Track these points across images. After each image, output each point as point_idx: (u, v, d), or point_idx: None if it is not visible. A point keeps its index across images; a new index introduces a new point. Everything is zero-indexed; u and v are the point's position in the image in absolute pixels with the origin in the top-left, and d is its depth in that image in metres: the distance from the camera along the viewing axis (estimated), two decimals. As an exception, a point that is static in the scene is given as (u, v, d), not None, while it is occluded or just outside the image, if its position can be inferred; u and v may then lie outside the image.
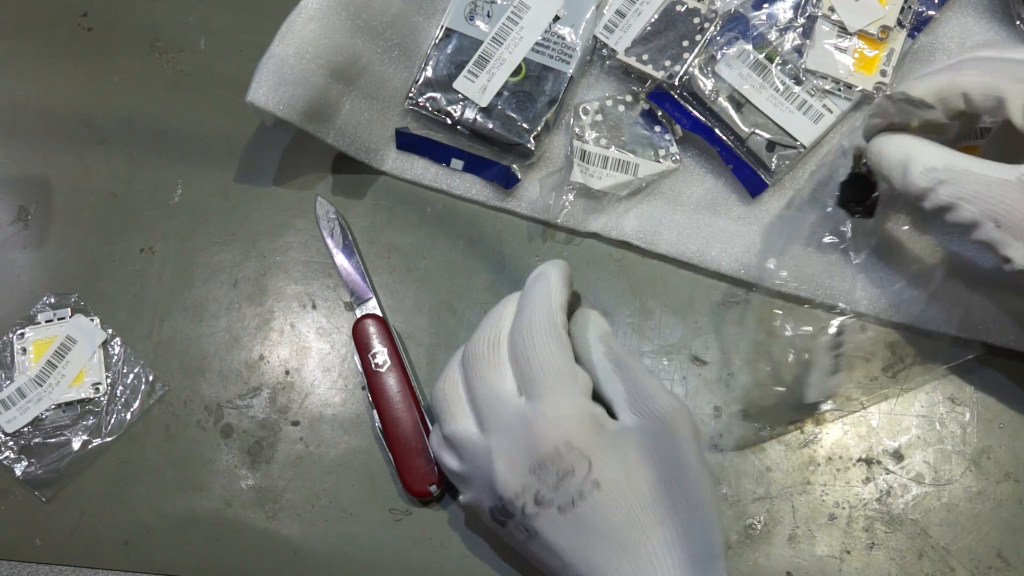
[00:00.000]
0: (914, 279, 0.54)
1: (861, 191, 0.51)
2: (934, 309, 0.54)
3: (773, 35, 0.57)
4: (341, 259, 0.58)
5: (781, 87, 0.56)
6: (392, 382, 0.54)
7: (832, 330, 0.52)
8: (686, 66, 0.56)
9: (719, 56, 0.56)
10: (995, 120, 0.49)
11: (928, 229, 0.55)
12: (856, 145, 0.50)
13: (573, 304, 0.50)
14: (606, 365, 0.48)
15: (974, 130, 0.52)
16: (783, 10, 0.57)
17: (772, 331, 0.53)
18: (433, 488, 0.52)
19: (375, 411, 0.54)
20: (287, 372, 0.57)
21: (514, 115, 0.57)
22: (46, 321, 0.58)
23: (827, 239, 0.54)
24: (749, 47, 0.56)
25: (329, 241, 0.58)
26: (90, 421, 0.56)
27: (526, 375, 0.46)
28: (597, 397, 0.47)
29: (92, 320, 0.58)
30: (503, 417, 0.45)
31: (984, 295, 0.53)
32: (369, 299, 0.57)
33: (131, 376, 0.57)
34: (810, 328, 0.52)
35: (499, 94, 0.58)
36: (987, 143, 0.51)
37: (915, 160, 0.46)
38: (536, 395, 0.45)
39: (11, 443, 0.56)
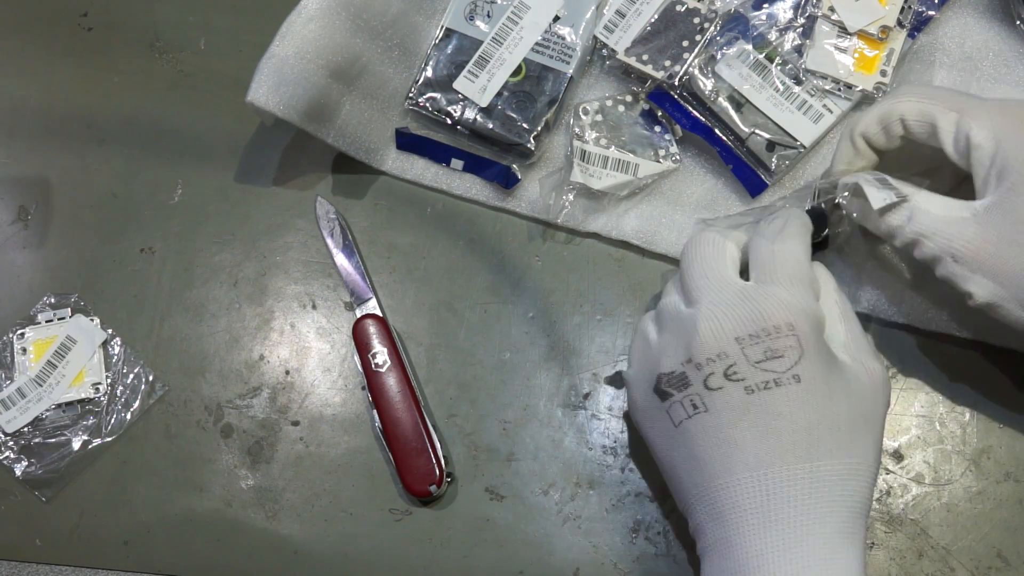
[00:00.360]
0: (914, 280, 0.54)
1: (817, 224, 0.51)
2: (934, 309, 0.54)
3: (773, 35, 0.57)
4: (341, 259, 0.58)
5: (781, 87, 0.56)
6: (392, 382, 0.54)
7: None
8: (686, 66, 0.56)
9: (719, 56, 0.56)
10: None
11: None
12: (818, 185, 0.51)
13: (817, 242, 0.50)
14: (835, 310, 0.47)
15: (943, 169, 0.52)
16: (783, 10, 0.57)
17: None
18: (433, 488, 0.52)
19: (375, 411, 0.54)
20: (287, 372, 0.57)
21: (514, 115, 0.57)
22: (46, 321, 0.58)
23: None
24: (749, 47, 0.56)
25: (329, 241, 0.58)
26: (90, 421, 0.56)
27: (765, 266, 0.46)
28: None
29: (92, 320, 0.58)
30: (719, 291, 0.45)
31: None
32: (369, 299, 0.57)
33: (131, 376, 0.57)
34: None
35: (499, 94, 0.58)
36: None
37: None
38: (770, 281, 0.45)
39: (11, 443, 0.56)
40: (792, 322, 0.43)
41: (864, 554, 0.42)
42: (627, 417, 0.54)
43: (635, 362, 0.48)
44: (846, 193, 0.49)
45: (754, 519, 0.42)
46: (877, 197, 0.47)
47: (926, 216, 0.46)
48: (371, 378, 0.54)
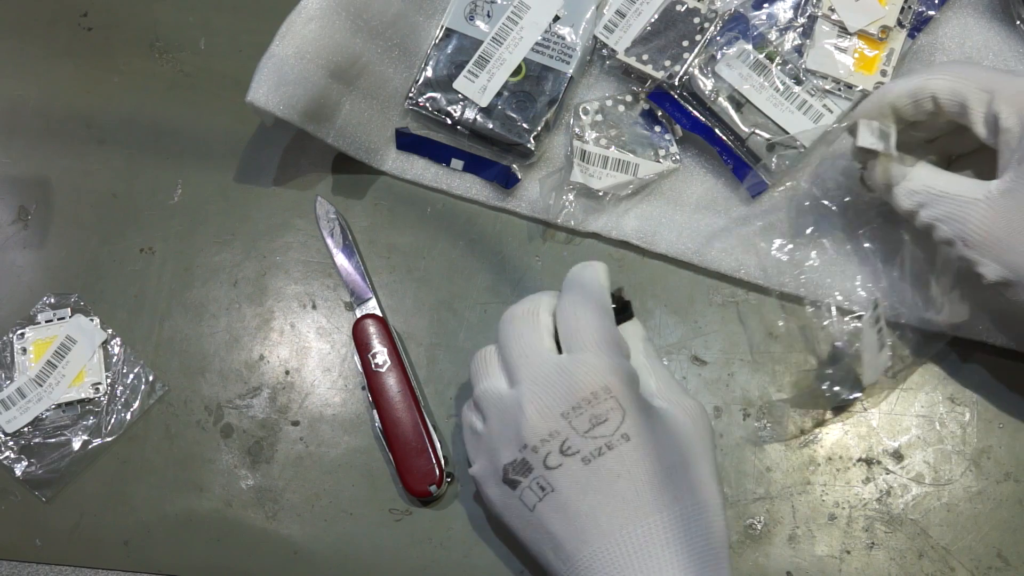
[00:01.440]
0: (914, 280, 0.54)
1: (621, 306, 0.51)
2: (934, 310, 0.54)
3: (773, 35, 0.57)
4: (341, 259, 0.58)
5: (781, 87, 0.56)
6: (392, 382, 0.54)
7: (871, 311, 0.52)
8: (686, 66, 0.56)
9: (719, 56, 0.56)
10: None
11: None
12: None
13: (620, 310, 0.50)
14: (644, 364, 0.48)
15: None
16: (783, 10, 0.57)
17: (805, 325, 0.54)
18: (433, 488, 0.52)
19: (375, 411, 0.54)
20: (287, 372, 0.57)
21: (514, 115, 0.57)
22: (46, 321, 0.58)
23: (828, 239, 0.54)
24: (749, 47, 0.56)
25: (329, 241, 0.58)
26: (90, 421, 0.56)
27: (572, 335, 0.46)
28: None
29: (92, 320, 0.58)
30: (538, 368, 0.46)
31: (985, 296, 0.53)
32: (369, 299, 0.57)
33: (131, 376, 0.57)
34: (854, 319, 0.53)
35: (499, 94, 0.58)
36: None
37: (897, 183, 0.49)
38: (580, 349, 0.46)
39: (11, 443, 0.56)
40: (607, 384, 0.44)
41: None
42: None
43: (475, 458, 0.48)
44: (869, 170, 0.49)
45: None
46: (865, 137, 0.48)
47: (942, 199, 0.47)
48: (371, 378, 0.54)
